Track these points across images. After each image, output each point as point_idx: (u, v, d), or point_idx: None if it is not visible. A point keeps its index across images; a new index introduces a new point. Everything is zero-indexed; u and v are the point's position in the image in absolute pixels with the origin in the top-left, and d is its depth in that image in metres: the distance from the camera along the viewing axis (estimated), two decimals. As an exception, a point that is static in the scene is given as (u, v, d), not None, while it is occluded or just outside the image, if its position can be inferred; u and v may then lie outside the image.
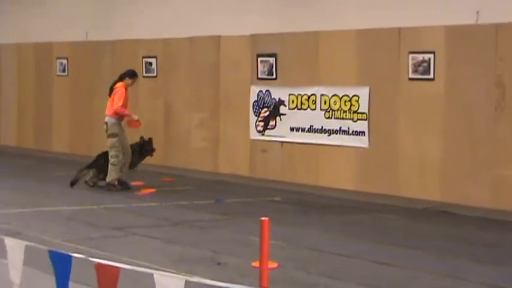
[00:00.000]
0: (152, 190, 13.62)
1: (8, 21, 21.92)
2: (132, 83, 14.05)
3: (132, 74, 14.03)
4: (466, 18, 12.54)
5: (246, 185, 14.84)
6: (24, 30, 21.17)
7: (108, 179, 13.60)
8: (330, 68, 14.45)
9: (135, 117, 13.84)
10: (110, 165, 13.60)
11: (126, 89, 13.83)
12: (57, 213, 11.42)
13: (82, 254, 5.83)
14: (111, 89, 13.93)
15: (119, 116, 13.73)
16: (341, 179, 14.26)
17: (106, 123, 13.81)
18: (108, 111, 13.84)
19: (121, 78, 13.98)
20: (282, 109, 15.17)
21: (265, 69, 15.49)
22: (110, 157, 13.64)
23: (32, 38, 20.91)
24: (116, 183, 13.59)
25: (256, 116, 15.63)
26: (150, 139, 14.39)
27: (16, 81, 21.65)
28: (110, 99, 13.86)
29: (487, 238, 10.35)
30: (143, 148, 14.26)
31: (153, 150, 14.40)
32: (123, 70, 14.34)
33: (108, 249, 8.87)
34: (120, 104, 13.61)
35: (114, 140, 13.68)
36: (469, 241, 10.06)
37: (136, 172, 14.35)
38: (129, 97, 14.15)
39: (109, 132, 13.74)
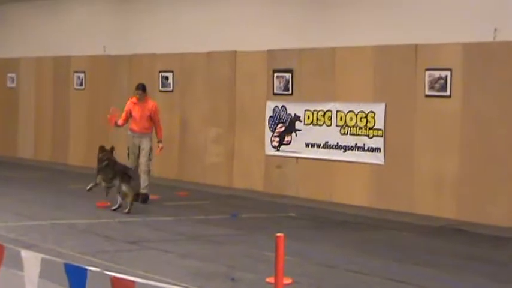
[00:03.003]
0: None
1: (27, 35, 22.08)
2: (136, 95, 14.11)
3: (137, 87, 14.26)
4: (484, 36, 12.51)
5: (261, 200, 14.83)
6: (43, 44, 21.32)
7: None
8: (346, 84, 14.45)
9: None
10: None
11: (132, 102, 14.07)
12: (72, 226, 11.46)
13: (97, 267, 5.84)
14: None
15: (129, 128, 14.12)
16: (356, 195, 14.24)
17: None
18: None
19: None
20: (298, 125, 15.18)
21: (281, 84, 15.51)
22: None
23: (51, 52, 21.05)
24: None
25: (271, 131, 15.65)
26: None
27: (34, 94, 21.79)
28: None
29: (504, 257, 10.29)
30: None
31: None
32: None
33: (123, 262, 8.88)
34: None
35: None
36: (485, 259, 10.01)
37: (151, 186, 14.32)
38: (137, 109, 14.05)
39: None
